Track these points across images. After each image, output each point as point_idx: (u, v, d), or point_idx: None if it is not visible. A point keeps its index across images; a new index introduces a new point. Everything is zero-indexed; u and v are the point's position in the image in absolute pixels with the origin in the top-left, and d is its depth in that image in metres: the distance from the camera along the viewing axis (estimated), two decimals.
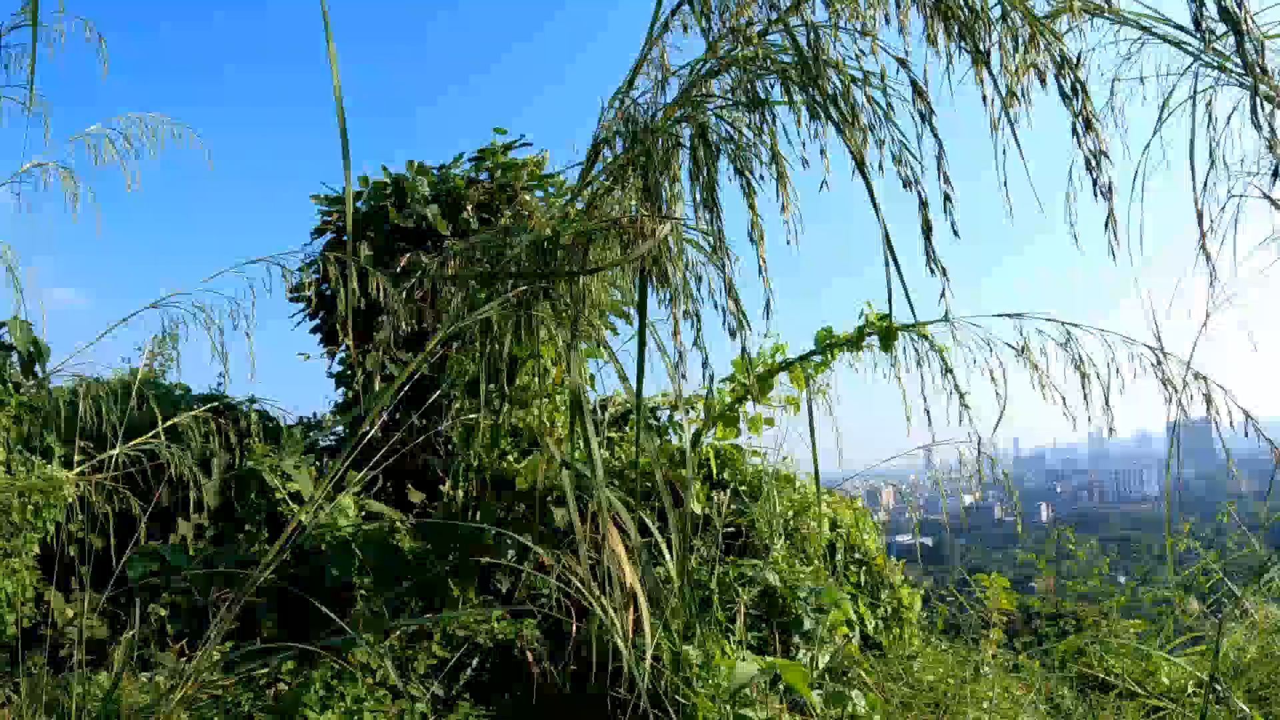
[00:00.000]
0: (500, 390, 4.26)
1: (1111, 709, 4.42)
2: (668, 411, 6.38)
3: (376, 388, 6.63)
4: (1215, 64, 2.48)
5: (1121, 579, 8.71)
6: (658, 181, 2.46)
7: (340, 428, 7.15)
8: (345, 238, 7.25)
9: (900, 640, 5.79)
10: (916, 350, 4.33)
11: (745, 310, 2.38)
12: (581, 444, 3.23)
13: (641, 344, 2.49)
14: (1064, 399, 3.96)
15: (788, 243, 2.37)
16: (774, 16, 2.25)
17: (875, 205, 1.95)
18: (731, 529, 5.49)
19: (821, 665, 4.51)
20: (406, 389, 5.72)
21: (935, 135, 1.99)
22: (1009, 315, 4.12)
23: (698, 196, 2.37)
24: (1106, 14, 2.44)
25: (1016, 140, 2.00)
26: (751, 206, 2.32)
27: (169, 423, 4.94)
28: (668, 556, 3.87)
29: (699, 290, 2.77)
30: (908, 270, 2.03)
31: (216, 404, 5.70)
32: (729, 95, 2.48)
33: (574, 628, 4.28)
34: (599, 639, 3.89)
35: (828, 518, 6.03)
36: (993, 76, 2.00)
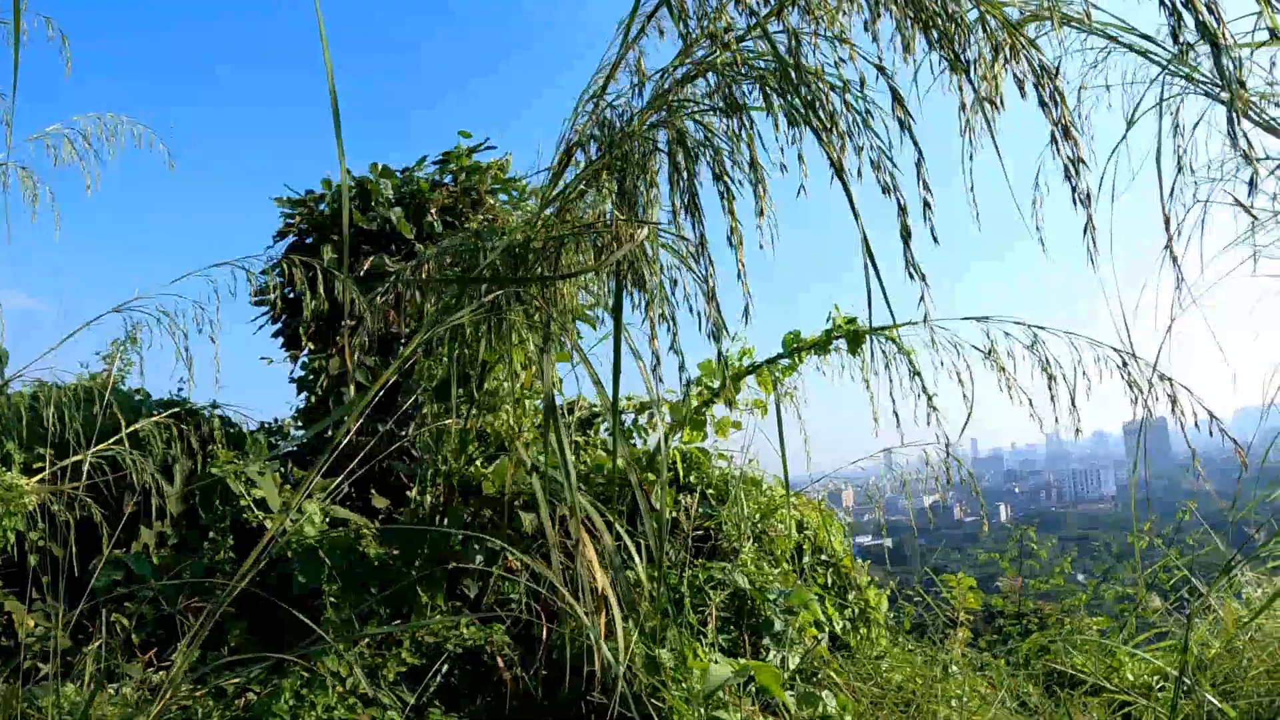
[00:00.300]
0: (469, 395, 4.24)
1: (1078, 705, 4.47)
2: (632, 415, 6.38)
3: (341, 392, 6.58)
4: (1182, 74, 2.52)
5: (1080, 577, 8.81)
6: (635, 186, 2.47)
7: (302, 433, 7.09)
8: (309, 240, 7.21)
9: (868, 640, 5.82)
10: (884, 353, 4.37)
11: (723, 315, 2.39)
12: (552, 448, 3.22)
13: (617, 348, 2.48)
14: (1030, 400, 4.01)
15: (760, 247, 2.38)
16: (752, 22, 2.25)
17: (855, 211, 1.96)
18: (700, 532, 5.51)
19: (792, 666, 4.53)
20: (374, 395, 5.69)
21: (915, 142, 2.00)
22: (976, 319, 4.17)
23: (676, 201, 2.38)
24: (1073, 23, 2.48)
25: (996, 147, 2.02)
26: (731, 212, 2.33)
27: (131, 429, 4.88)
28: (637, 560, 3.87)
29: (674, 295, 2.78)
30: (883, 276, 2.04)
31: (178, 409, 5.64)
32: (706, 100, 2.49)
33: (544, 632, 4.27)
34: (570, 643, 3.89)
35: (795, 520, 6.06)
36: (972, 84, 2.02)
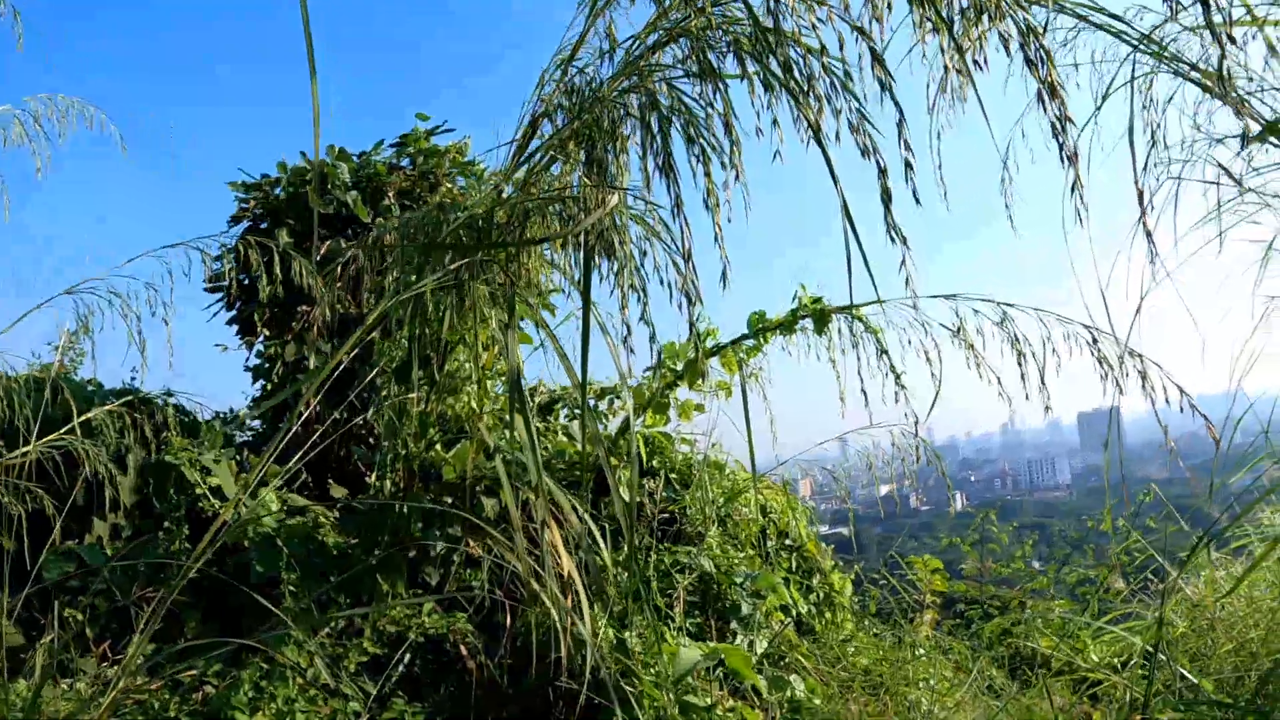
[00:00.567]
0: (430, 377, 4.15)
1: (1041, 686, 4.46)
2: (592, 401, 6.31)
3: (298, 378, 6.44)
4: (1150, 51, 2.50)
5: (1037, 564, 8.86)
6: (604, 153, 2.39)
7: (258, 422, 6.95)
8: (264, 225, 7.05)
9: (833, 625, 5.80)
10: (852, 332, 4.32)
11: (698, 282, 2.31)
12: (517, 429, 3.13)
13: (586, 321, 2.40)
14: (999, 379, 3.98)
15: (729, 220, 2.32)
16: None
17: (833, 175, 1.90)
18: (664, 516, 5.45)
19: (760, 651, 4.48)
20: (329, 381, 5.57)
21: (896, 103, 1.94)
22: (944, 296, 4.13)
23: (650, 164, 2.30)
24: (1042, 1, 2.44)
25: (983, 109, 1.96)
26: (707, 174, 2.26)
27: (83, 418, 4.73)
28: (602, 544, 3.81)
29: (644, 266, 2.71)
30: (863, 243, 1.98)
31: (131, 398, 5.48)
32: (679, 65, 2.42)
33: (508, 618, 4.20)
34: (535, 629, 3.81)
35: (759, 504, 6.02)
36: (955, 42, 1.96)
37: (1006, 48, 1.92)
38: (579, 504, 3.90)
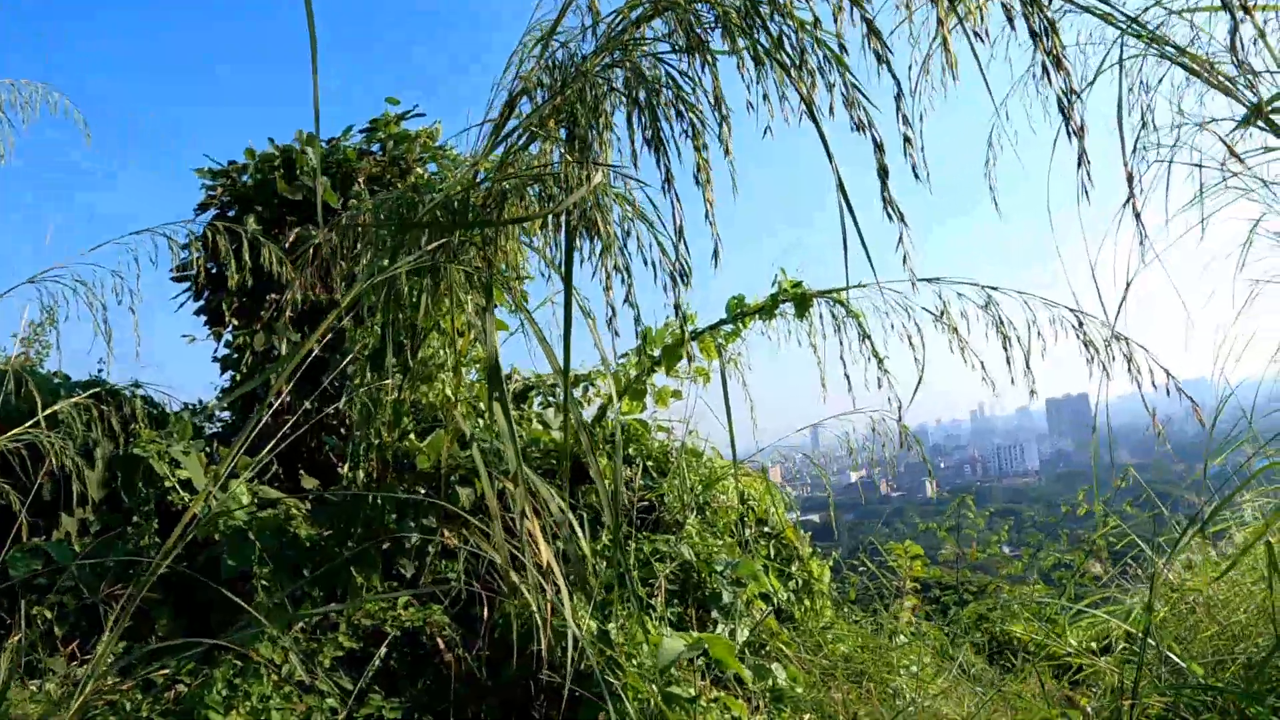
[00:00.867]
0: (404, 363, 4.05)
1: (1023, 672, 4.44)
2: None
3: (268, 369, 6.32)
4: (1134, 33, 2.45)
5: (1007, 549, 8.88)
6: (589, 128, 2.31)
7: (228, 414, 6.83)
8: (231, 213, 6.91)
9: (813, 612, 5.76)
10: (834, 316, 4.26)
11: (690, 261, 2.24)
12: (495, 417, 3.05)
13: (568, 304, 2.33)
14: (983, 363, 3.94)
15: (714, 201, 2.24)
16: None
17: (828, 152, 1.83)
18: (643, 504, 5.39)
19: (741, 639, 4.43)
20: (300, 371, 5.46)
21: (894, 76, 1.88)
22: (928, 280, 4.08)
23: (637, 139, 2.22)
24: None
25: (986, 83, 1.90)
26: (697, 149, 2.18)
27: (49, 411, 4.60)
28: (580, 534, 3.74)
29: (627, 247, 2.63)
30: (860, 227, 1.92)
31: (98, 390, 5.35)
32: (666, 40, 2.34)
33: (484, 611, 4.12)
34: (513, 621, 3.73)
35: (737, 491, 5.97)
36: (958, 16, 1.90)
37: (1010, 19, 1.85)
38: (557, 492, 3.83)
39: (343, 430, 5.91)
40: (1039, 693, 4.03)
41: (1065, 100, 1.85)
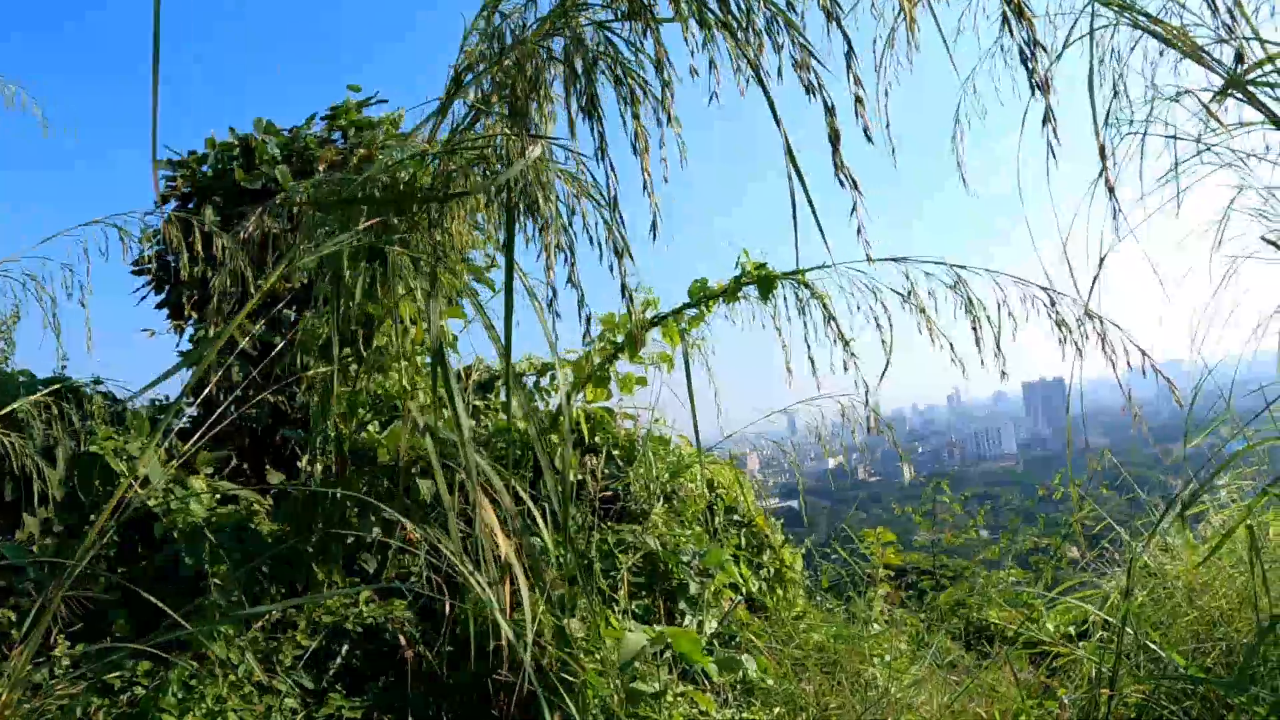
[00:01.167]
0: (356, 353, 3.92)
1: (999, 661, 4.36)
2: (534, 377, 6.10)
3: (229, 361, 6.18)
4: (1107, 2, 2.36)
5: (985, 534, 8.83)
6: (527, 99, 2.18)
7: (194, 409, 6.69)
8: (191, 204, 6.76)
9: (785, 601, 5.67)
10: (798, 298, 4.14)
11: (625, 232, 2.12)
12: (445, 405, 2.93)
13: (509, 286, 2.20)
14: (951, 345, 3.84)
15: (665, 179, 2.13)
16: None
17: (775, 116, 1.72)
18: (608, 494, 5.27)
19: (709, 631, 4.33)
20: (261, 362, 5.32)
21: (845, 35, 1.76)
22: (894, 259, 3.96)
23: (573, 105, 2.10)
24: None
25: (946, 47, 1.79)
26: (635, 115, 2.05)
27: (7, 409, 4.46)
28: (542, 525, 3.62)
29: (572, 225, 2.51)
30: (809, 190, 1.80)
31: (59, 387, 5.20)
32: (609, 8, 2.21)
33: (446, 607, 4.00)
34: (474, 617, 3.62)
35: (705, 479, 5.86)
36: None
37: None
38: (519, 484, 3.71)
39: (306, 425, 5.79)
40: (1015, 682, 3.95)
41: (1028, 51, 1.74)
